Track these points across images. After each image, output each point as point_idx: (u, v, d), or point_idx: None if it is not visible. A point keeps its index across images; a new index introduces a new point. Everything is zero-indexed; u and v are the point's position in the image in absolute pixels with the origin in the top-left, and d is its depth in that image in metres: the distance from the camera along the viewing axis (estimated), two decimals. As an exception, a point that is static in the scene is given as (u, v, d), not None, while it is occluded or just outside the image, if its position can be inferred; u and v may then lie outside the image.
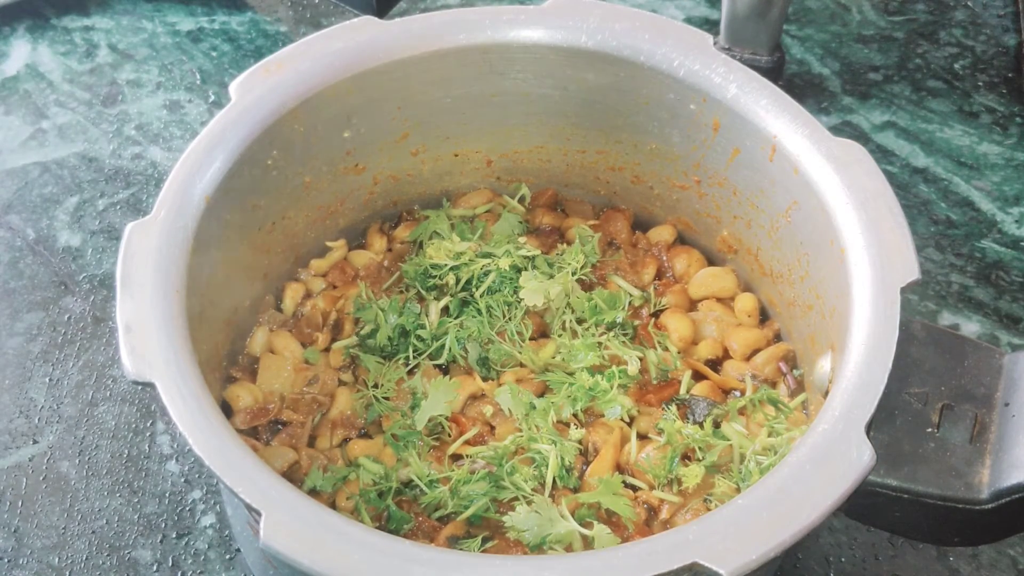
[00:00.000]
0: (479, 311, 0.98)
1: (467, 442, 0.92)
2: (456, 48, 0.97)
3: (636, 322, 1.00)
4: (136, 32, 1.47)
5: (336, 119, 0.97)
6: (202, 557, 1.00)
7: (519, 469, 0.88)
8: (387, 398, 0.94)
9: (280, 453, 0.90)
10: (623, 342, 0.97)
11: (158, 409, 1.10)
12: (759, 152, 0.93)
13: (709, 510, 0.85)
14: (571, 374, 0.94)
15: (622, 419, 0.92)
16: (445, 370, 0.97)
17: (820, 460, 0.71)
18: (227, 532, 1.01)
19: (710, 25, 1.47)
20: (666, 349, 0.97)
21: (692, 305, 1.03)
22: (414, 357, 0.97)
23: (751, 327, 1.01)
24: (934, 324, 0.83)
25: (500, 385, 0.94)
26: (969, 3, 1.52)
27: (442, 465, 0.90)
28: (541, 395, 0.94)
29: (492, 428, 0.93)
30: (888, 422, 0.77)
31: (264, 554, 0.90)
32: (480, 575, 0.67)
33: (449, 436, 0.93)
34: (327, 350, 0.99)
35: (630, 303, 1.01)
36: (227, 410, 0.93)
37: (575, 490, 0.89)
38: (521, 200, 1.10)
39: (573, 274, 1.01)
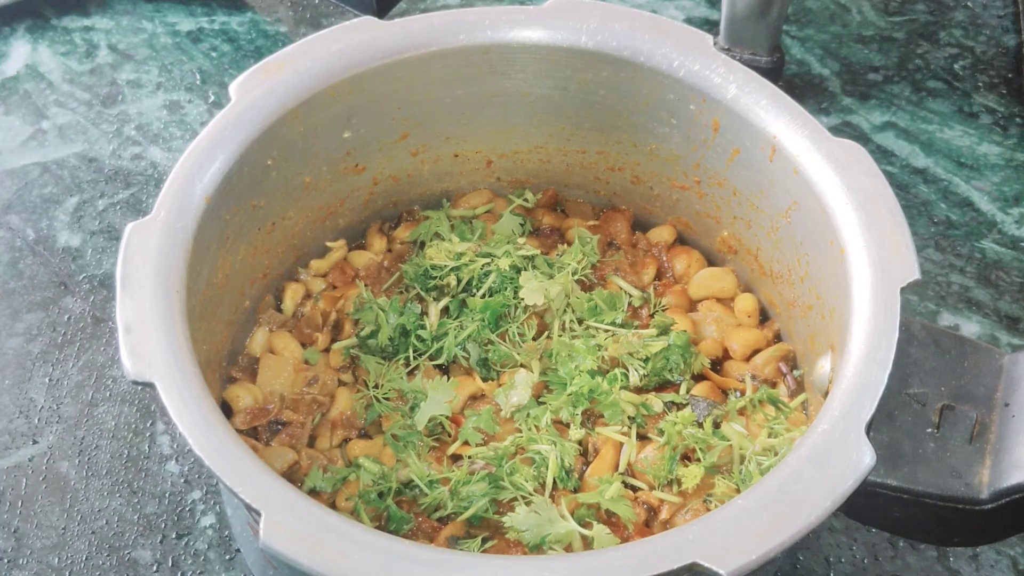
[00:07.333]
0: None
1: (466, 442, 0.92)
2: (456, 48, 0.97)
3: (636, 322, 1.00)
4: (136, 32, 1.47)
5: (336, 119, 0.97)
6: (202, 557, 1.00)
7: (519, 469, 0.88)
8: (387, 398, 0.94)
9: (280, 453, 0.90)
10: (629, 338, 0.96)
11: (158, 409, 1.10)
12: (759, 152, 0.93)
13: (709, 510, 0.84)
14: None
15: (622, 422, 0.92)
16: (445, 370, 0.97)
17: (820, 460, 0.71)
18: (227, 532, 1.01)
19: (710, 25, 1.47)
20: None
21: (692, 305, 1.03)
22: (414, 358, 0.97)
23: (751, 327, 1.01)
24: (934, 324, 0.83)
25: (500, 386, 0.94)
26: (969, 3, 1.52)
27: (442, 466, 0.90)
28: (541, 395, 0.94)
29: (492, 428, 0.93)
30: (888, 422, 0.77)
31: (264, 554, 0.89)
32: (480, 575, 0.67)
33: (449, 437, 0.93)
34: (327, 350, 0.99)
35: (630, 303, 1.01)
36: (227, 410, 0.93)
37: (575, 491, 0.89)
38: (526, 201, 1.10)
39: (573, 274, 1.01)
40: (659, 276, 1.06)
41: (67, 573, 0.99)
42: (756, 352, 0.99)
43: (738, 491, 0.86)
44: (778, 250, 0.97)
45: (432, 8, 1.50)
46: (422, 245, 1.06)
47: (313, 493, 0.87)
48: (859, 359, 0.76)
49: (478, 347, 0.96)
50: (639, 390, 0.95)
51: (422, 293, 1.01)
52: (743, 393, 0.95)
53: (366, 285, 1.02)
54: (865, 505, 0.77)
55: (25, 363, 1.13)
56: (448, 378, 0.95)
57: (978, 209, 1.27)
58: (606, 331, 0.97)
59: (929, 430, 0.77)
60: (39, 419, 1.09)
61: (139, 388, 1.08)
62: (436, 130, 1.04)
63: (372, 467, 0.89)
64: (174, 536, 1.01)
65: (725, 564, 0.67)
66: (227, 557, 1.00)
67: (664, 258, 1.06)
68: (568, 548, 0.83)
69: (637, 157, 1.05)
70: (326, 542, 0.67)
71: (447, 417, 0.92)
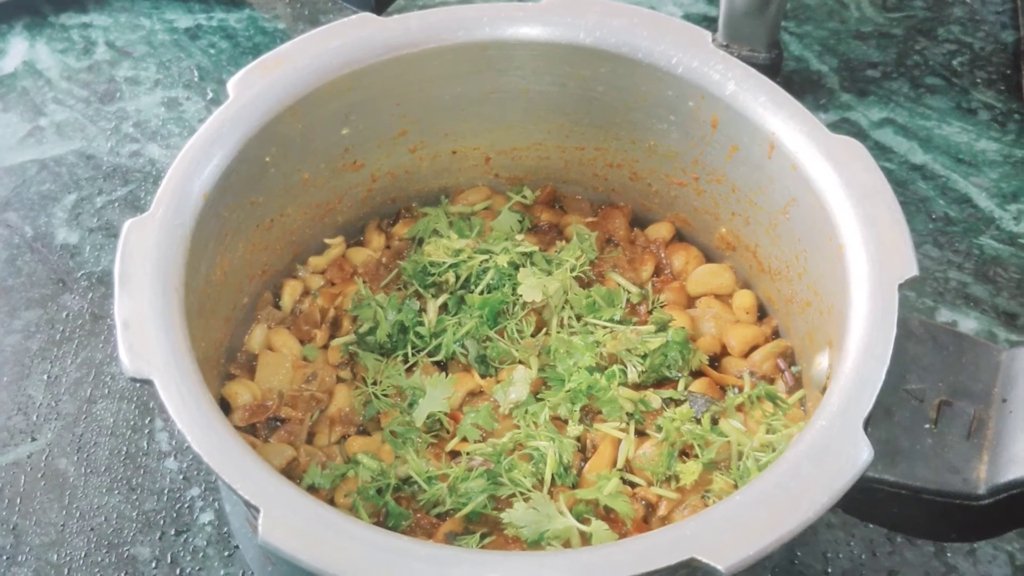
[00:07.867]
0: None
1: (465, 439, 0.92)
2: (454, 45, 0.97)
3: (634, 319, 1.00)
4: (134, 29, 1.47)
5: (334, 116, 0.97)
6: (201, 554, 1.00)
7: (517, 466, 0.88)
8: (385, 395, 0.94)
9: (278, 450, 0.90)
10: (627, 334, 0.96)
11: (156, 406, 1.10)
12: (757, 149, 0.93)
13: (707, 506, 0.85)
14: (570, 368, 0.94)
15: (620, 418, 0.92)
16: (444, 367, 0.97)
17: (818, 456, 0.72)
18: (226, 529, 1.01)
19: (708, 22, 1.47)
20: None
21: (690, 302, 1.04)
22: (413, 354, 0.97)
23: (749, 324, 1.01)
24: (932, 321, 0.84)
25: (498, 382, 0.94)
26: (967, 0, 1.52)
27: (440, 462, 0.90)
28: (539, 392, 0.94)
29: (490, 425, 0.93)
30: (886, 418, 0.77)
31: (263, 551, 0.90)
32: (479, 571, 0.67)
33: (447, 433, 0.93)
34: (325, 347, 0.99)
35: (628, 300, 1.02)
36: (225, 407, 0.93)
37: (573, 487, 0.89)
38: (524, 198, 1.10)
39: (571, 271, 1.01)
40: (657, 272, 1.06)
41: (66, 570, 0.99)
42: (754, 348, 0.99)
43: (736, 487, 0.86)
44: (776, 246, 0.97)
45: (430, 4, 1.50)
46: (420, 242, 1.06)
47: (312, 489, 0.87)
48: (857, 355, 0.76)
49: (476, 344, 0.96)
50: (637, 386, 0.95)
51: (420, 290, 1.01)
52: (741, 389, 0.95)
53: (364, 282, 1.02)
54: (863, 501, 0.77)
55: (23, 360, 1.13)
56: (446, 375, 0.95)
57: (976, 205, 1.27)
58: (604, 327, 0.97)
59: (927, 426, 0.77)
60: (37, 416, 1.09)
61: (137, 385, 1.08)
62: (434, 127, 1.04)
63: (371, 463, 0.89)
64: (173, 533, 1.01)
65: (723, 559, 0.67)
66: (226, 554, 1.00)
67: (662, 254, 1.06)
68: (566, 544, 0.83)
69: (635, 154, 1.05)
70: (325, 538, 0.67)
71: (445, 414, 0.92)
